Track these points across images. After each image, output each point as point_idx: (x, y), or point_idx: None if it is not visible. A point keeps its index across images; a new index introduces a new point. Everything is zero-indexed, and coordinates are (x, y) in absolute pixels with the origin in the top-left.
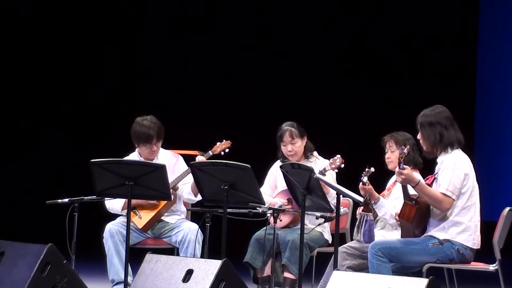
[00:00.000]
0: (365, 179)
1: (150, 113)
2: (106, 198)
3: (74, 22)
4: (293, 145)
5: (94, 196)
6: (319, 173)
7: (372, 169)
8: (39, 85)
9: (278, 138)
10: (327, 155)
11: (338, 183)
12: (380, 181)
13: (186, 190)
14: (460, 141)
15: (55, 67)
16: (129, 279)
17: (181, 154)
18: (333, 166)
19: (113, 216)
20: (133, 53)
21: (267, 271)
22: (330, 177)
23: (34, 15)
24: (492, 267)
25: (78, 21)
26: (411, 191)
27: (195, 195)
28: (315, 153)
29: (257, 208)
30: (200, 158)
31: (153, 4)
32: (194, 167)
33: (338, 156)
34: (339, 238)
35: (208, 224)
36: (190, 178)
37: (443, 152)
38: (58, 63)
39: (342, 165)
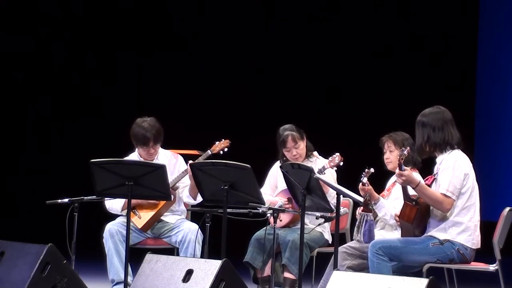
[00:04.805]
0: (365, 179)
1: (150, 113)
2: (106, 198)
3: (88, 26)
4: (297, 149)
5: (94, 196)
6: (318, 171)
7: (372, 170)
8: (39, 86)
9: (280, 144)
10: (327, 155)
11: (338, 183)
12: (379, 182)
13: (185, 193)
14: (450, 142)
15: (56, 68)
16: (129, 279)
17: (181, 154)
18: (332, 164)
19: (113, 216)
20: (133, 52)
21: (267, 271)
22: (330, 176)
23: (36, 16)
24: (492, 267)
25: (92, 25)
26: (411, 191)
27: (194, 198)
28: (315, 153)
29: (257, 208)
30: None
31: (154, 4)
32: (193, 167)
33: (337, 154)
34: (339, 238)
35: (208, 224)
36: (187, 180)
37: (441, 152)
38: (58, 64)
39: (341, 163)
